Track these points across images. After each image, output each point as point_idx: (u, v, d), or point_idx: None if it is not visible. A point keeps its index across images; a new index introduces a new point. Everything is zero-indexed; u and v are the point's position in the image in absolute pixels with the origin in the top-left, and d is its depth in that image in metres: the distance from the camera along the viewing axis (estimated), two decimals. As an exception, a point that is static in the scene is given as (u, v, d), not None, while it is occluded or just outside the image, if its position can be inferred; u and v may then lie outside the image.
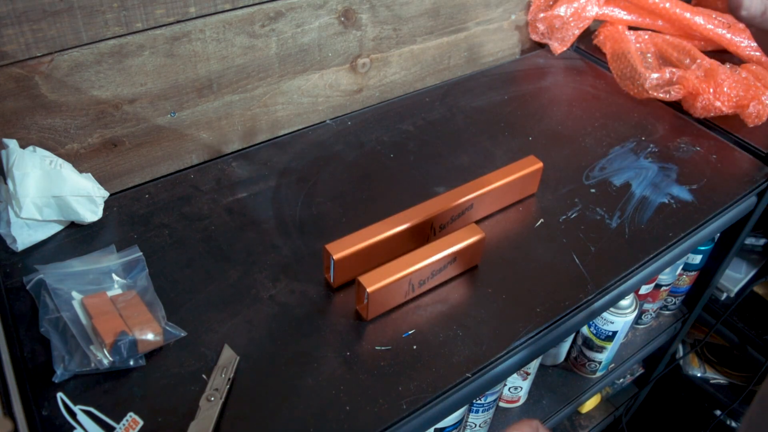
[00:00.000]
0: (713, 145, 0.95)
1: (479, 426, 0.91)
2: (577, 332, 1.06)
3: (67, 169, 0.71)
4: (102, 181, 0.77)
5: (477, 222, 0.78)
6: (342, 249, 0.66)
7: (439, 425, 0.78)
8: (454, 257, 0.68)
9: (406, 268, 0.65)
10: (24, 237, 0.69)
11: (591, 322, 1.02)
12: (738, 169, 0.90)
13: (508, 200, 0.80)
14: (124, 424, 0.54)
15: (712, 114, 0.98)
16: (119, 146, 0.78)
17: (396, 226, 0.69)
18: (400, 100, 1.02)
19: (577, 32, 1.08)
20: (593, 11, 1.06)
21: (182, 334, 0.62)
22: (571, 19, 1.06)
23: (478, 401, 0.87)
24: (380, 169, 0.86)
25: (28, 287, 0.64)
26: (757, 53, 1.04)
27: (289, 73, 0.87)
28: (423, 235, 0.72)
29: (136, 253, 0.69)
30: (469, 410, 0.88)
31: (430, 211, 0.72)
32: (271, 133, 0.91)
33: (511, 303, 0.68)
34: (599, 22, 1.14)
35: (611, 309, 1.00)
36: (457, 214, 0.74)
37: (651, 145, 0.93)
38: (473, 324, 0.66)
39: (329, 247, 0.66)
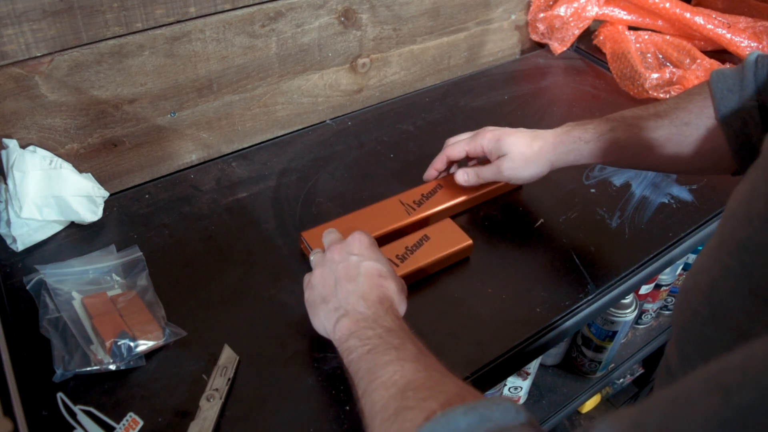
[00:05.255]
0: (713, 145, 0.94)
1: (479, 426, 0.91)
2: (577, 332, 1.06)
3: (67, 169, 0.71)
4: (102, 181, 0.77)
5: (464, 213, 0.79)
6: (318, 236, 0.67)
7: (439, 425, 0.78)
8: (424, 235, 0.71)
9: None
10: (24, 237, 0.69)
11: (591, 322, 1.02)
12: (738, 169, 0.90)
13: (480, 188, 0.79)
14: (124, 424, 0.54)
15: (712, 114, 0.98)
16: (119, 146, 0.78)
17: (370, 210, 0.74)
18: (400, 100, 1.02)
19: (577, 32, 1.08)
20: (593, 11, 1.06)
21: (182, 334, 0.62)
22: (571, 19, 1.06)
23: (478, 401, 0.87)
24: (380, 169, 0.86)
25: (28, 287, 0.64)
26: (757, 53, 1.04)
27: (289, 73, 0.87)
28: (399, 214, 0.74)
29: (136, 253, 0.69)
30: (469, 410, 0.88)
31: (400, 196, 0.76)
32: (271, 133, 0.91)
33: (511, 303, 0.68)
34: (599, 22, 1.14)
35: (611, 309, 1.00)
36: (428, 192, 0.77)
37: (651, 145, 0.93)
38: (473, 324, 0.66)
39: (306, 234, 0.69)
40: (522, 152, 0.71)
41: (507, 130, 0.73)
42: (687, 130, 0.63)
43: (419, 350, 0.48)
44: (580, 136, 0.69)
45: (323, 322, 0.56)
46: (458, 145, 0.76)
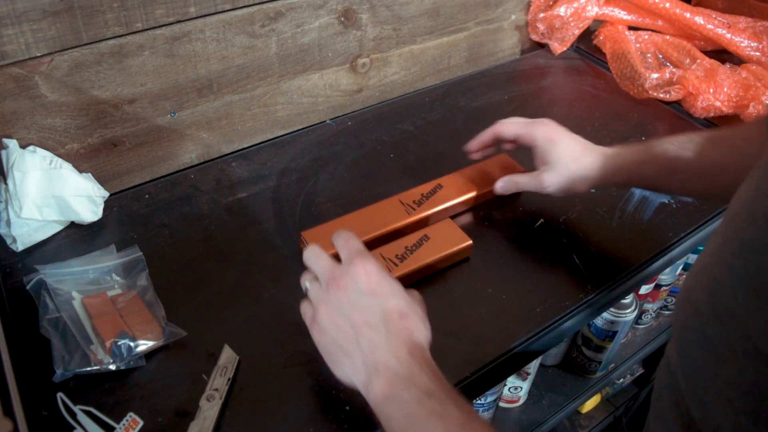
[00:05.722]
0: (713, 145, 0.94)
1: (479, 426, 0.91)
2: (577, 332, 1.06)
3: (67, 169, 0.71)
4: (102, 181, 0.77)
5: (464, 213, 0.79)
6: (318, 236, 0.68)
7: (439, 425, 0.78)
8: (424, 235, 0.70)
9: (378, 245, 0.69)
10: (24, 237, 0.69)
11: (591, 322, 1.02)
12: (738, 169, 0.90)
13: (480, 188, 0.80)
14: (124, 424, 0.54)
15: (712, 114, 0.98)
16: (119, 146, 0.78)
17: (370, 210, 0.74)
18: (400, 100, 1.02)
19: (577, 32, 1.08)
20: (593, 11, 1.06)
21: (182, 334, 0.62)
22: (571, 19, 1.06)
23: (478, 401, 0.87)
24: (380, 169, 0.86)
25: (28, 287, 0.64)
26: (757, 53, 1.04)
27: (289, 73, 0.87)
28: (399, 214, 0.74)
29: (136, 253, 0.69)
30: (469, 410, 0.88)
31: (399, 196, 0.76)
32: (271, 133, 0.91)
33: (511, 303, 0.68)
34: (599, 22, 1.14)
35: (611, 309, 1.00)
36: (428, 192, 0.77)
37: (651, 145, 0.93)
38: (473, 324, 0.66)
39: (306, 234, 0.69)
40: (568, 167, 0.70)
41: (562, 134, 0.72)
42: (745, 159, 0.59)
43: (464, 414, 0.45)
44: (632, 158, 0.67)
45: (348, 375, 0.51)
46: (511, 125, 0.74)
